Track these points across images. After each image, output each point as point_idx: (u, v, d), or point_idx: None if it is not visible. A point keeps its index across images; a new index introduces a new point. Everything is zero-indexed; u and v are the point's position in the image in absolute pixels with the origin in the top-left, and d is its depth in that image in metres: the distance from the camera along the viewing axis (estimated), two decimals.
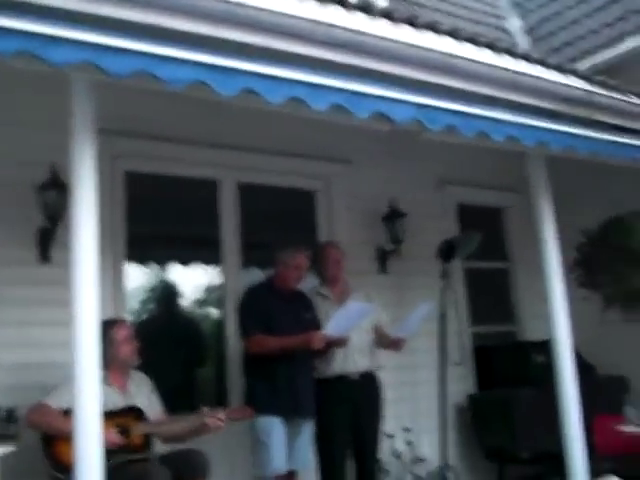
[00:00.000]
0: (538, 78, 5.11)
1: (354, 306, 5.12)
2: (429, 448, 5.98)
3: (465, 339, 7.00)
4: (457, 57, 4.44)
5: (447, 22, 5.84)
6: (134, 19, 3.17)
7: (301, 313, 5.17)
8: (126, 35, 3.08)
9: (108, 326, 4.39)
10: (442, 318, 5.88)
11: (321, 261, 5.56)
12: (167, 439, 4.60)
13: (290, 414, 4.91)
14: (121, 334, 4.50)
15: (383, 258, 6.70)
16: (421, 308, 5.48)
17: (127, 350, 4.51)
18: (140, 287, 5.85)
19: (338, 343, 5.08)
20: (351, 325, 5.03)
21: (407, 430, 6.16)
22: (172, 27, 3.23)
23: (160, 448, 4.58)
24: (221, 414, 4.45)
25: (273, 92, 3.49)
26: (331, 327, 4.96)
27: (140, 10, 3.16)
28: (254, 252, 6.11)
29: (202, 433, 4.51)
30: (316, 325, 5.12)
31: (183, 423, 4.57)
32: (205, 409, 4.46)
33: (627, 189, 6.13)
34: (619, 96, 5.77)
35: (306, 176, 6.41)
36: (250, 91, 3.43)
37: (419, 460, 6.17)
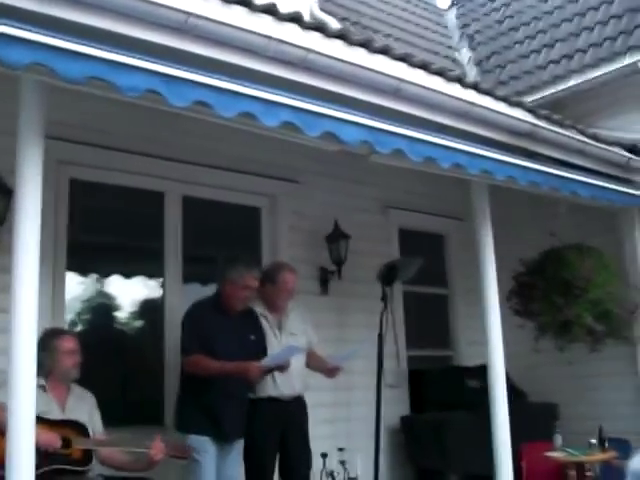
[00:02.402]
0: (486, 108, 5.23)
1: (290, 348, 5.13)
2: (362, 468, 5.98)
3: (401, 362, 7.08)
4: (408, 82, 4.51)
5: (399, 48, 5.94)
6: (90, 23, 3.16)
7: (246, 334, 5.09)
8: (81, 39, 3.03)
9: (53, 335, 4.35)
10: (380, 341, 5.94)
11: (274, 283, 5.39)
12: (106, 462, 4.47)
13: (219, 436, 4.87)
14: (65, 345, 4.38)
15: (325, 279, 6.73)
16: (362, 345, 5.65)
17: (68, 362, 4.38)
18: (80, 297, 5.74)
19: (278, 369, 5.05)
20: (286, 359, 5.04)
21: (341, 450, 6.16)
22: (128, 34, 3.23)
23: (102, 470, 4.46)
24: (161, 447, 4.38)
25: (225, 106, 3.49)
26: (267, 361, 4.96)
27: (97, 15, 3.15)
28: (196, 266, 6.08)
29: (144, 469, 4.44)
30: (261, 347, 5.10)
31: (126, 450, 4.48)
32: (156, 441, 4.38)
33: (565, 222, 6.29)
34: (562, 131, 5.93)
35: (252, 193, 6.41)
36: (202, 104, 3.43)
37: None
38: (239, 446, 5.06)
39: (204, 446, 4.79)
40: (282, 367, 5.03)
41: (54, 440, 4.05)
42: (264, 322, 5.35)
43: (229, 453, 4.98)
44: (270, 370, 5.02)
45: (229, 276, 5.05)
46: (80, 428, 4.31)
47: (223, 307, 5.07)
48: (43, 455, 3.71)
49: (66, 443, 4.15)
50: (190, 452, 4.64)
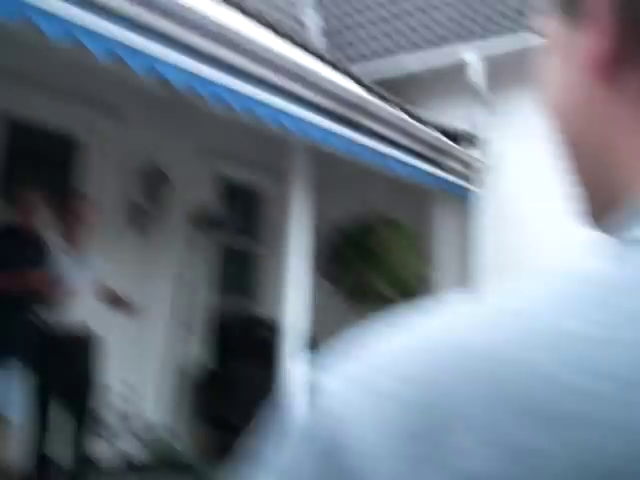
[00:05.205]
0: (319, 74, 5.32)
1: (84, 263, 5.14)
2: (151, 406, 6.03)
3: (201, 309, 7.08)
4: (237, 33, 4.54)
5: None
6: None
7: (37, 260, 5.01)
8: None
9: None
10: (182, 284, 5.94)
11: (73, 215, 5.33)
12: None
13: None
14: None
15: (137, 217, 6.59)
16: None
17: None
18: None
19: (65, 291, 5.00)
20: (78, 277, 5.05)
21: (129, 386, 6.12)
22: None
23: None
24: None
25: (54, 27, 3.44)
26: (55, 271, 4.98)
27: None
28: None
29: None
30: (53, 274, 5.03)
31: None
32: None
33: (380, 192, 6.53)
34: (389, 107, 6.15)
35: (73, 122, 6.21)
36: (30, 21, 3.37)
37: (138, 416, 6.21)
38: (21, 373, 4.88)
39: None
40: (69, 290, 4.99)
41: None
42: (62, 255, 5.22)
43: (9, 379, 4.83)
44: (57, 290, 4.97)
45: (16, 197, 5.10)
46: None
47: (16, 231, 5.03)
48: None
49: None
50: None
